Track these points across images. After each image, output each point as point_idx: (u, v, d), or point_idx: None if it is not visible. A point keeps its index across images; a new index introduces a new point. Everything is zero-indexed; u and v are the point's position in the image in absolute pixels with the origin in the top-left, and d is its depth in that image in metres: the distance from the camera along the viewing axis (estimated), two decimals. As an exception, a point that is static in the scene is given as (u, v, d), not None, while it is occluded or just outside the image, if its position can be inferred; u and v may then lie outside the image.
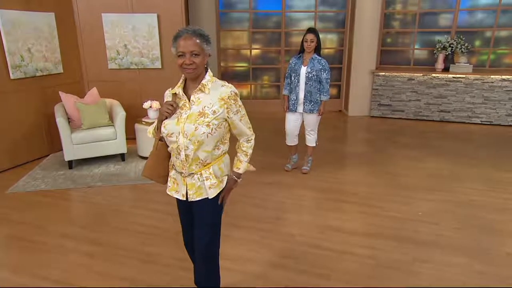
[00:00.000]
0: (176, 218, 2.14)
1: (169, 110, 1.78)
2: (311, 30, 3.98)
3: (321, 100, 4.08)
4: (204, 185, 1.86)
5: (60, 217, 3.40)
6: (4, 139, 4.45)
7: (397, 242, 2.95)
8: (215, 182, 1.87)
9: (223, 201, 1.95)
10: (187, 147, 1.77)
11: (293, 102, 4.12)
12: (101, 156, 4.65)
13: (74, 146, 4.36)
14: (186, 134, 1.75)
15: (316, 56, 4.00)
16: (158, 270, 2.62)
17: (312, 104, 4.06)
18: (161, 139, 1.87)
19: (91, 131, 4.46)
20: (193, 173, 1.84)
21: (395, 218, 3.33)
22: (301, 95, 4.07)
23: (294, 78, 4.07)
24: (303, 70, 4.02)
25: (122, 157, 4.73)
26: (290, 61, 4.15)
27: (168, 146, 1.88)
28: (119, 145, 4.60)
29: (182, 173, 1.86)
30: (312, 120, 4.17)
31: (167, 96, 1.90)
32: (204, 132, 1.74)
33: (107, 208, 3.54)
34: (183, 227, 2.13)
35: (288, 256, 2.77)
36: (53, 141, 5.00)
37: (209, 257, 2.00)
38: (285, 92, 4.22)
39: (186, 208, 1.99)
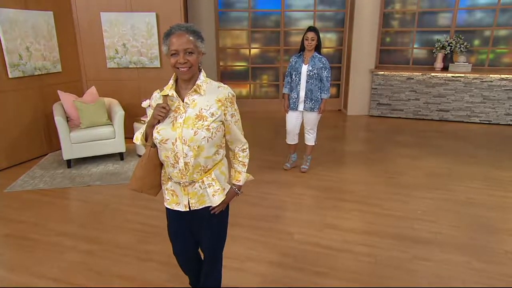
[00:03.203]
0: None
1: (162, 114, 1.62)
2: (311, 29, 3.98)
3: (321, 98, 4.08)
4: (207, 193, 1.76)
5: (58, 215, 3.40)
6: (3, 138, 4.44)
7: (396, 240, 2.95)
8: (219, 189, 1.77)
9: (217, 211, 1.83)
10: (186, 154, 1.64)
11: (294, 100, 4.12)
12: (99, 155, 4.65)
13: (72, 145, 4.36)
14: (184, 140, 1.62)
15: (317, 54, 4.01)
16: (156, 268, 2.61)
17: (313, 103, 4.06)
18: (153, 145, 1.72)
19: (89, 130, 4.45)
20: (194, 181, 1.73)
21: (394, 217, 3.33)
22: (302, 94, 4.06)
23: (295, 77, 4.07)
24: (304, 68, 4.01)
25: (121, 156, 4.72)
26: (291, 60, 4.14)
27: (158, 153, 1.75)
28: (118, 144, 4.59)
29: (181, 183, 1.74)
30: (312, 118, 4.17)
31: (156, 99, 1.73)
32: (204, 137, 1.63)
33: (105, 207, 3.53)
34: (176, 237, 1.97)
35: (287, 254, 2.77)
36: (52, 140, 5.00)
37: (216, 259, 2.00)
38: (285, 90, 4.21)
39: (186, 217, 1.86)
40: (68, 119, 4.53)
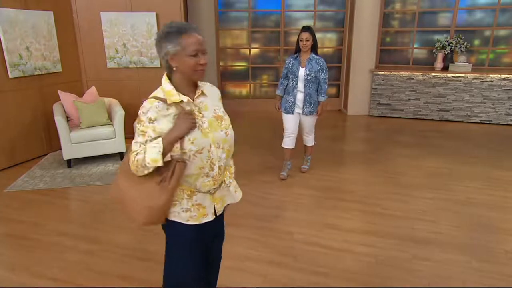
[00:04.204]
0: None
1: (194, 121, 1.49)
2: (305, 29, 3.80)
3: (319, 101, 3.97)
4: (229, 191, 1.75)
5: (58, 215, 3.40)
6: (3, 138, 4.44)
7: (396, 240, 2.94)
8: (236, 184, 1.79)
9: None
10: (220, 158, 1.59)
11: (290, 104, 3.97)
12: (100, 155, 4.65)
13: (72, 145, 4.36)
14: (218, 144, 1.57)
15: (314, 55, 3.86)
16: (156, 268, 2.61)
17: (312, 106, 3.95)
18: (181, 160, 1.51)
19: (90, 130, 4.45)
20: (221, 184, 1.69)
21: (394, 216, 3.33)
22: (300, 97, 3.94)
23: (292, 80, 3.91)
24: (302, 72, 3.86)
25: (121, 156, 4.72)
26: (287, 61, 3.96)
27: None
28: (118, 144, 4.59)
29: (211, 190, 1.65)
30: (310, 122, 4.09)
31: (159, 109, 1.50)
32: (232, 136, 1.64)
33: (105, 207, 3.53)
34: (199, 259, 1.72)
35: (286, 254, 2.77)
36: (52, 140, 5.00)
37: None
38: (278, 92, 4.06)
39: (207, 229, 1.71)
40: (68, 119, 4.53)
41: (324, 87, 3.92)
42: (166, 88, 1.54)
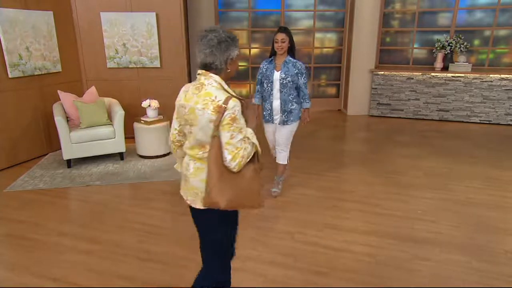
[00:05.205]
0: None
1: None
2: (281, 29, 3.47)
3: (303, 108, 3.60)
4: None
5: (58, 215, 3.40)
6: (3, 138, 4.44)
7: (396, 240, 2.95)
8: None
9: None
10: None
11: (268, 112, 3.60)
12: (100, 155, 4.65)
13: (72, 145, 4.36)
14: None
15: (290, 58, 3.47)
16: (157, 268, 2.61)
17: (286, 115, 3.53)
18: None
19: (89, 130, 4.45)
20: None
21: (394, 216, 3.33)
22: (276, 104, 3.53)
23: (267, 86, 3.52)
24: (276, 75, 3.46)
25: (121, 156, 4.72)
26: (261, 66, 3.60)
27: None
28: (118, 144, 4.59)
29: None
30: (285, 133, 3.61)
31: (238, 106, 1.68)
32: None
33: (105, 207, 3.53)
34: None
35: (287, 254, 2.77)
36: (52, 140, 5.00)
37: None
38: (255, 101, 3.67)
39: None
40: (68, 119, 4.53)
41: (306, 92, 3.55)
42: (225, 87, 1.70)
